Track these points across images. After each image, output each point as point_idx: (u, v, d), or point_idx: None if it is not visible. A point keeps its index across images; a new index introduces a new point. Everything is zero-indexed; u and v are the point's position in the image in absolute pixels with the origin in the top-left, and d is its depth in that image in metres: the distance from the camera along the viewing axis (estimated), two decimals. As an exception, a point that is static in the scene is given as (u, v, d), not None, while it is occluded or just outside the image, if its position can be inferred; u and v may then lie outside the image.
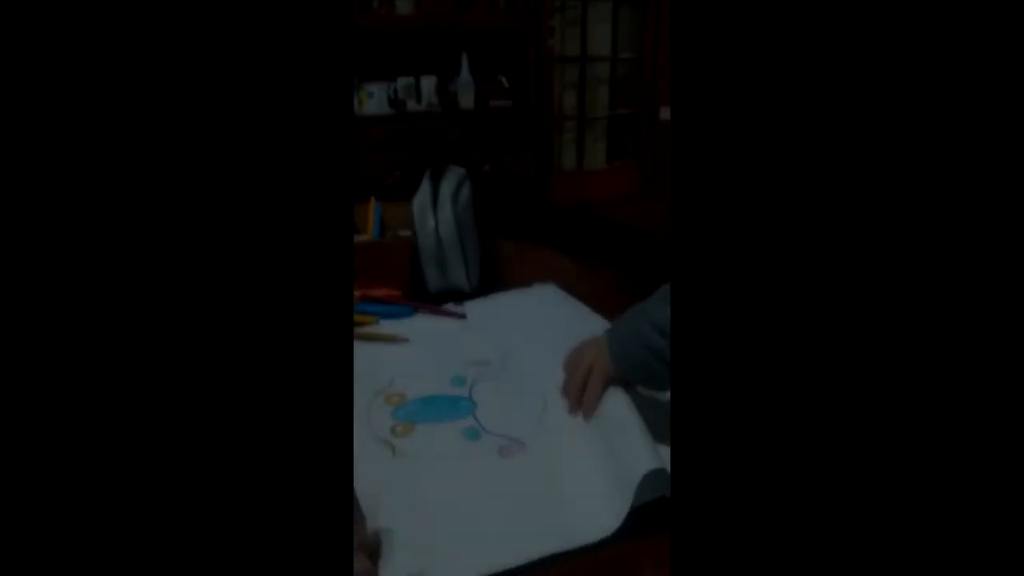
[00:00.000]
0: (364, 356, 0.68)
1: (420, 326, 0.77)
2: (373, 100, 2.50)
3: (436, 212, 0.83)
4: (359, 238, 0.87)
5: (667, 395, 0.58)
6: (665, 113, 3.32)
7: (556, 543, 0.42)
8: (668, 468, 0.45)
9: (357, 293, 0.80)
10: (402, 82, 2.57)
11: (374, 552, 0.40)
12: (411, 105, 2.60)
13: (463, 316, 0.79)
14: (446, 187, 0.84)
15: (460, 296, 0.85)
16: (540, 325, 0.75)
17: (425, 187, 0.85)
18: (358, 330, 0.74)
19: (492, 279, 0.90)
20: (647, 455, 0.46)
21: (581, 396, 0.57)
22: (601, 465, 0.49)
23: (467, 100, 2.63)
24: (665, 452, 0.48)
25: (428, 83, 2.63)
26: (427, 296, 0.85)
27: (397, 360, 0.69)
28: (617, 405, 0.54)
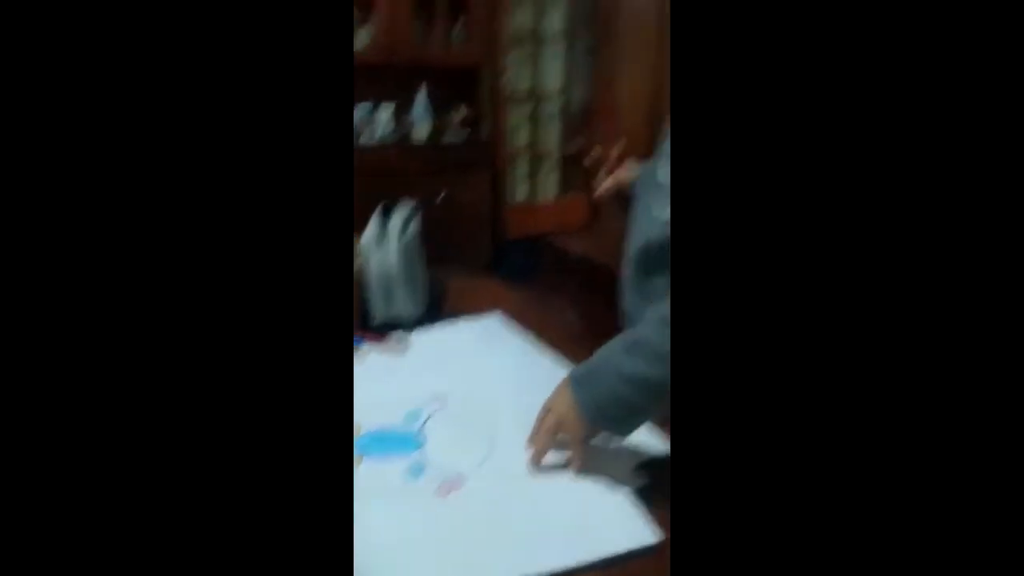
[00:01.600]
0: None
1: (375, 356, 0.79)
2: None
3: (384, 244, 0.85)
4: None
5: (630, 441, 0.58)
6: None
7: None
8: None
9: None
10: (358, 113, 2.59)
11: None
12: (365, 137, 2.63)
13: (405, 349, 0.82)
14: (395, 220, 0.87)
15: (406, 326, 0.87)
16: (491, 363, 0.77)
17: (374, 221, 0.88)
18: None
19: (440, 310, 0.93)
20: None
21: (543, 454, 0.57)
22: (531, 518, 0.51)
23: (421, 133, 2.68)
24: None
25: (384, 114, 2.67)
26: (372, 326, 0.87)
27: (357, 391, 0.70)
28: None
